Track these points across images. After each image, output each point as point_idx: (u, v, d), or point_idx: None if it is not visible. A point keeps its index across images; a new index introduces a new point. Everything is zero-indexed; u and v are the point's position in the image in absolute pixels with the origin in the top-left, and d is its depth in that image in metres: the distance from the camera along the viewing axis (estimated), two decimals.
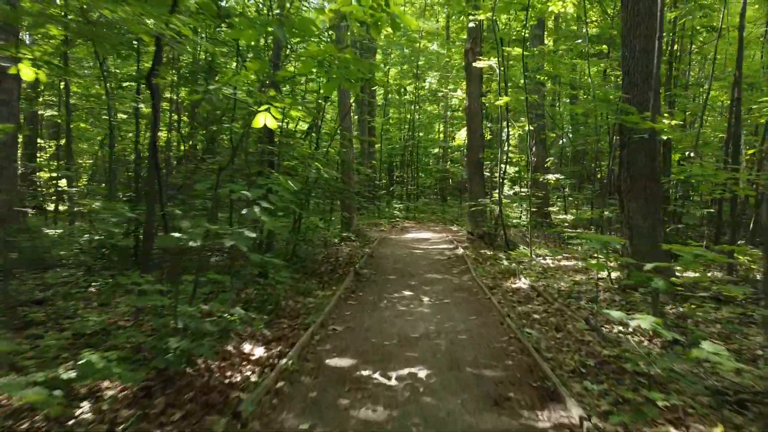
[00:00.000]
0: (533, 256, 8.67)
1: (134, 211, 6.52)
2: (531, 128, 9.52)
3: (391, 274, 7.72)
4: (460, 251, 9.75)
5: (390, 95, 25.94)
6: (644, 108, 5.57)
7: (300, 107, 4.40)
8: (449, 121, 24.70)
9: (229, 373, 3.73)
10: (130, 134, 11.71)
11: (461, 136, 23.97)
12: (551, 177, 14.51)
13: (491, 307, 5.47)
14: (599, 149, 15.64)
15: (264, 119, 4.21)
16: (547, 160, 16.13)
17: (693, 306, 5.20)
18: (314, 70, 4.29)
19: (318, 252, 9.98)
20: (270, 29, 3.45)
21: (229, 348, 4.19)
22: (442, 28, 25.27)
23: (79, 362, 3.00)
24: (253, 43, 6.43)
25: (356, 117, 22.67)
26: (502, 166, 10.22)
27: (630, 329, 4.63)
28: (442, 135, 26.10)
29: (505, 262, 8.14)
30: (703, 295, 5.43)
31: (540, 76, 9.99)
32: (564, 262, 8.34)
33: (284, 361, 3.67)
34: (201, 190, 6.56)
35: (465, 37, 16.39)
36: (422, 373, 3.54)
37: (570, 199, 16.38)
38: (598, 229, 13.48)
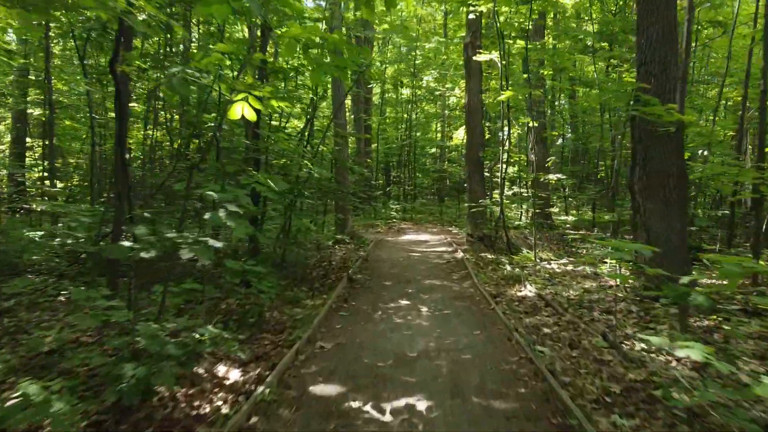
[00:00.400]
0: (537, 260, 8.18)
1: (109, 214, 6.00)
2: (534, 125, 9.03)
3: (387, 279, 7.21)
4: (460, 255, 9.25)
5: (387, 95, 25.45)
6: (663, 100, 5.08)
7: (283, 96, 3.89)
8: (447, 121, 24.22)
9: (197, 403, 3.21)
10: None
11: (459, 135, 23.47)
12: (552, 177, 14.06)
13: (496, 319, 4.97)
14: (602, 148, 15.20)
15: (241, 110, 3.69)
16: (548, 159, 15.68)
17: (719, 319, 4.72)
18: (299, 55, 3.77)
19: (310, 256, 9.47)
20: (245, 3, 2.94)
21: (200, 371, 3.67)
22: (440, 26, 24.82)
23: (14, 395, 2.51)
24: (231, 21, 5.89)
25: (352, 116, 22.19)
26: (503, 164, 9.73)
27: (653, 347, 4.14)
28: (439, 135, 25.62)
29: (508, 267, 7.64)
30: (731, 308, 4.95)
31: (544, 70, 9.50)
32: (570, 267, 7.85)
33: (261, 389, 3.16)
34: (180, 190, 6.04)
35: (463, 35, 15.92)
36: (421, 405, 3.03)
37: (570, 199, 15.93)
38: (603, 231, 13.03)
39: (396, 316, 5.16)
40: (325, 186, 8.22)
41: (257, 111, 6.60)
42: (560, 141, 18.89)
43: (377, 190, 21.00)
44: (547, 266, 7.90)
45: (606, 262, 7.36)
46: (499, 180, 10.40)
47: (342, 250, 10.31)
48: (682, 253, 5.29)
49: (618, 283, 5.90)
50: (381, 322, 4.94)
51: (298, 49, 3.77)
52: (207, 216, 2.70)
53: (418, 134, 23.47)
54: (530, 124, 9.12)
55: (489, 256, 9.14)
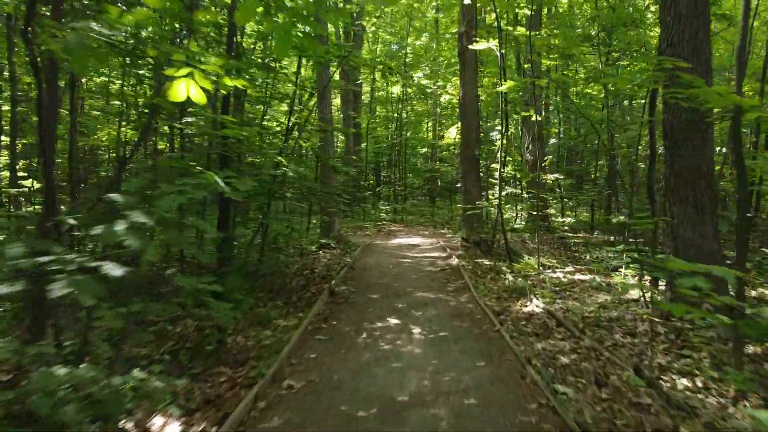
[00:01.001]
0: (540, 268, 7.42)
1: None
2: (538, 119, 8.29)
3: (374, 292, 6.39)
4: (455, 261, 8.46)
5: (377, 92, 24.64)
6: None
7: (242, 70, 3.05)
8: (438, 119, 23.45)
9: None
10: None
11: (451, 134, 22.72)
12: (550, 177, 13.35)
13: (503, 346, 4.17)
14: (602, 146, 14.53)
15: (186, 89, 2.86)
16: (545, 158, 14.99)
17: None
18: (259, 16, 2.95)
19: (292, 262, 8.62)
20: None
21: (129, 425, 2.82)
22: (431, 24, 24.06)
23: None
24: None
25: (341, 115, 21.32)
26: (501, 162, 8.97)
27: (699, 383, 3.38)
28: (431, 134, 24.87)
29: (510, 277, 6.86)
30: None
31: (545, 60, 8.75)
32: (578, 276, 7.11)
33: None
34: (132, 190, 5.17)
35: (455, 31, 15.17)
36: None
37: (566, 200, 15.23)
38: (604, 233, 12.34)
39: (383, 341, 4.34)
40: (307, 186, 7.37)
41: (225, 98, 5.76)
42: (553, 140, 18.23)
43: (366, 191, 20.18)
44: (552, 275, 7.14)
45: (620, 272, 6.62)
46: (496, 180, 9.64)
47: (327, 256, 9.48)
48: (717, 265, 4.54)
49: (644, 297, 5.15)
50: (365, 350, 4.11)
51: (259, 10, 2.95)
52: (98, 231, 1.86)
53: (408, 133, 22.69)
54: (533, 119, 8.36)
55: (486, 263, 8.36)
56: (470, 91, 9.93)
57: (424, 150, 24.42)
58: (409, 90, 23.20)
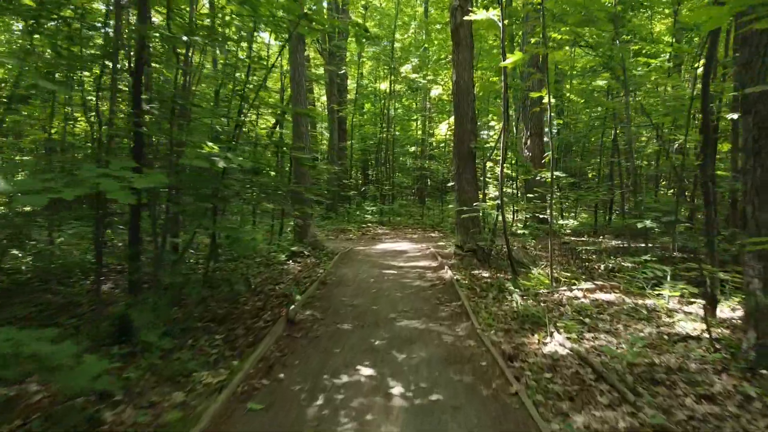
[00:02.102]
0: (553, 283, 6.05)
1: None
2: (551, 101, 6.93)
3: (345, 319, 4.95)
4: (448, 274, 7.06)
5: (366, 87, 23.18)
6: None
7: None
8: (428, 115, 22.04)
9: None
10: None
11: (442, 130, 21.35)
12: (554, 174, 12.06)
13: (527, 422, 2.76)
14: (609, 140, 13.28)
15: None
16: (546, 154, 13.70)
17: None
18: None
19: (254, 274, 7.16)
20: None
21: None
22: (421, 17, 22.67)
23: None
24: None
25: (326, 112, 19.81)
26: (503, 152, 7.58)
27: None
28: (420, 132, 23.50)
29: (518, 297, 5.47)
30: None
31: (557, 34, 7.37)
32: (601, 296, 5.74)
33: None
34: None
35: (447, 19, 13.76)
36: None
37: (567, 200, 13.92)
38: (618, 239, 11.05)
39: (346, 413, 2.91)
40: (265, 184, 5.90)
41: (138, 68, 4.29)
42: (554, 133, 16.94)
43: (351, 190, 18.71)
44: (569, 294, 5.77)
45: (661, 294, 5.26)
46: (496, 177, 8.28)
47: (297, 267, 8.03)
48: None
49: (708, 333, 3.78)
50: None
51: None
52: None
53: (397, 128, 21.27)
54: (545, 101, 6.98)
55: (486, 276, 6.99)
56: (465, 74, 8.54)
57: (413, 149, 23.01)
58: (398, 87, 21.78)
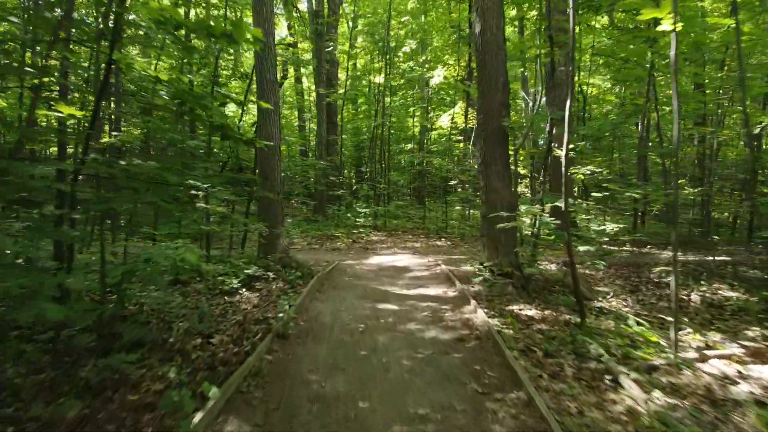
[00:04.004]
0: (674, 345, 3.55)
1: None
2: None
3: None
4: (478, 314, 4.56)
5: (359, 79, 20.62)
6: None
7: None
8: (427, 107, 19.42)
9: None
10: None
11: (443, 123, 18.80)
12: (583, 170, 9.48)
13: None
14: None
15: None
16: (577, 145, 11.24)
17: None
18: None
19: (179, 316, 4.61)
20: None
21: None
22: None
23: None
24: None
25: (315, 110, 17.05)
26: (568, 128, 5.06)
27: None
28: (417, 128, 21.00)
29: (632, 387, 2.94)
30: None
31: None
32: (764, 373, 3.24)
33: None
34: None
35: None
36: None
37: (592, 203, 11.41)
38: (659, 248, 8.60)
39: None
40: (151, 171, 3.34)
41: None
42: (583, 117, 14.45)
43: (340, 189, 16.15)
44: (715, 370, 3.26)
45: None
46: (561, 164, 5.87)
47: (255, 297, 5.50)
48: None
49: None
50: None
51: None
52: None
53: (393, 119, 18.71)
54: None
55: (532, 315, 4.50)
56: (493, 22, 6.04)
57: (410, 146, 20.46)
58: (394, 83, 19.19)
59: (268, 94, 7.21)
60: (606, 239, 10.85)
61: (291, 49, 18.02)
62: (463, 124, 16.79)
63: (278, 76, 7.32)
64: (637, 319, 4.30)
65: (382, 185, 15.43)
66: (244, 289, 5.76)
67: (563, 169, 4.39)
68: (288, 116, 23.79)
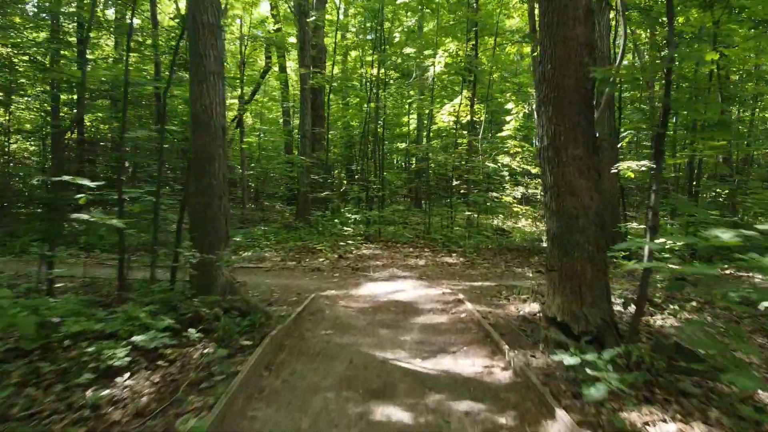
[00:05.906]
0: None
1: None
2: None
3: None
4: None
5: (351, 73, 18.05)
6: None
7: None
8: (428, 96, 16.82)
9: None
10: None
11: (444, 118, 16.24)
12: (630, 166, 6.89)
13: None
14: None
15: None
16: (623, 136, 8.82)
17: None
18: None
19: None
20: None
21: None
22: None
23: None
24: None
25: (301, 100, 14.34)
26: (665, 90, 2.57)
27: None
28: (414, 125, 18.52)
29: None
30: None
31: None
32: None
33: None
34: None
35: None
36: None
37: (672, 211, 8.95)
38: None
39: None
40: None
41: None
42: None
43: (326, 190, 13.58)
44: None
45: None
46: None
47: (149, 387, 2.95)
48: None
49: None
50: None
51: None
52: None
53: (389, 108, 16.15)
54: None
55: None
56: None
57: (404, 145, 17.93)
58: (389, 72, 16.65)
59: (205, 44, 4.69)
60: (668, 256, 8.39)
61: (273, 32, 15.52)
62: (467, 117, 14.37)
63: (220, 21, 4.78)
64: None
65: (376, 185, 12.89)
66: (136, 366, 3.20)
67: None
68: (271, 108, 21.13)
